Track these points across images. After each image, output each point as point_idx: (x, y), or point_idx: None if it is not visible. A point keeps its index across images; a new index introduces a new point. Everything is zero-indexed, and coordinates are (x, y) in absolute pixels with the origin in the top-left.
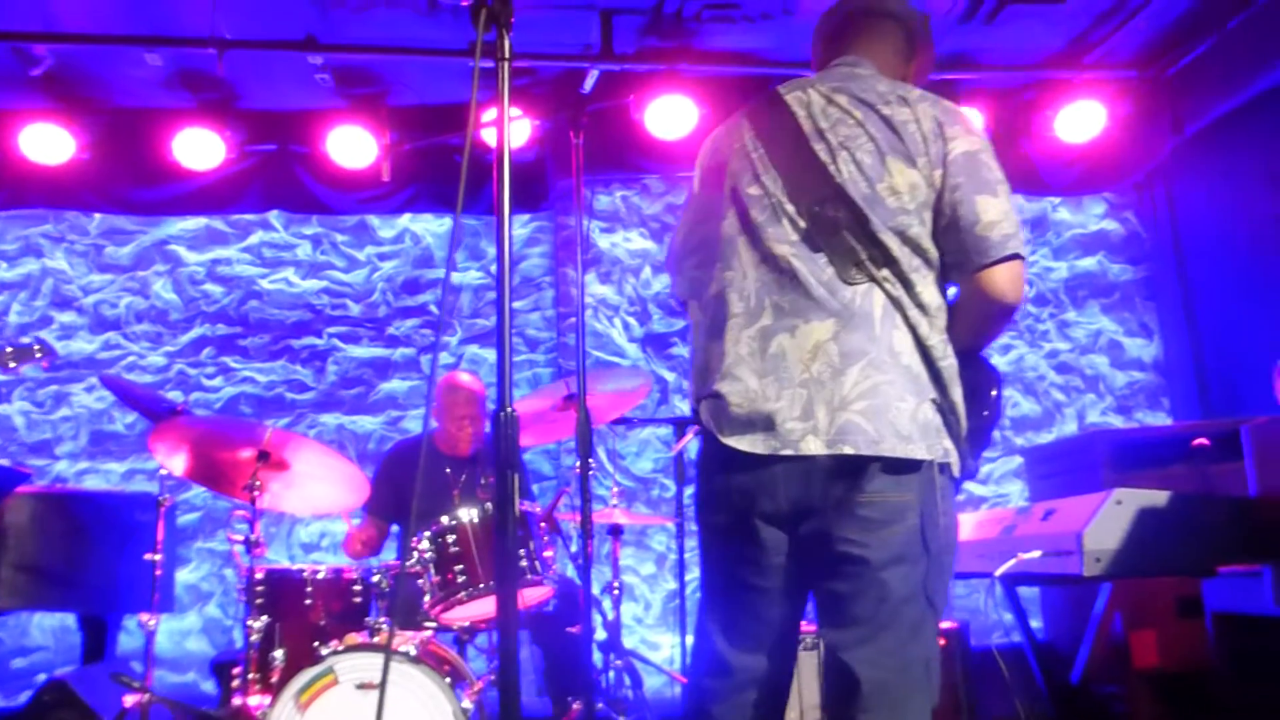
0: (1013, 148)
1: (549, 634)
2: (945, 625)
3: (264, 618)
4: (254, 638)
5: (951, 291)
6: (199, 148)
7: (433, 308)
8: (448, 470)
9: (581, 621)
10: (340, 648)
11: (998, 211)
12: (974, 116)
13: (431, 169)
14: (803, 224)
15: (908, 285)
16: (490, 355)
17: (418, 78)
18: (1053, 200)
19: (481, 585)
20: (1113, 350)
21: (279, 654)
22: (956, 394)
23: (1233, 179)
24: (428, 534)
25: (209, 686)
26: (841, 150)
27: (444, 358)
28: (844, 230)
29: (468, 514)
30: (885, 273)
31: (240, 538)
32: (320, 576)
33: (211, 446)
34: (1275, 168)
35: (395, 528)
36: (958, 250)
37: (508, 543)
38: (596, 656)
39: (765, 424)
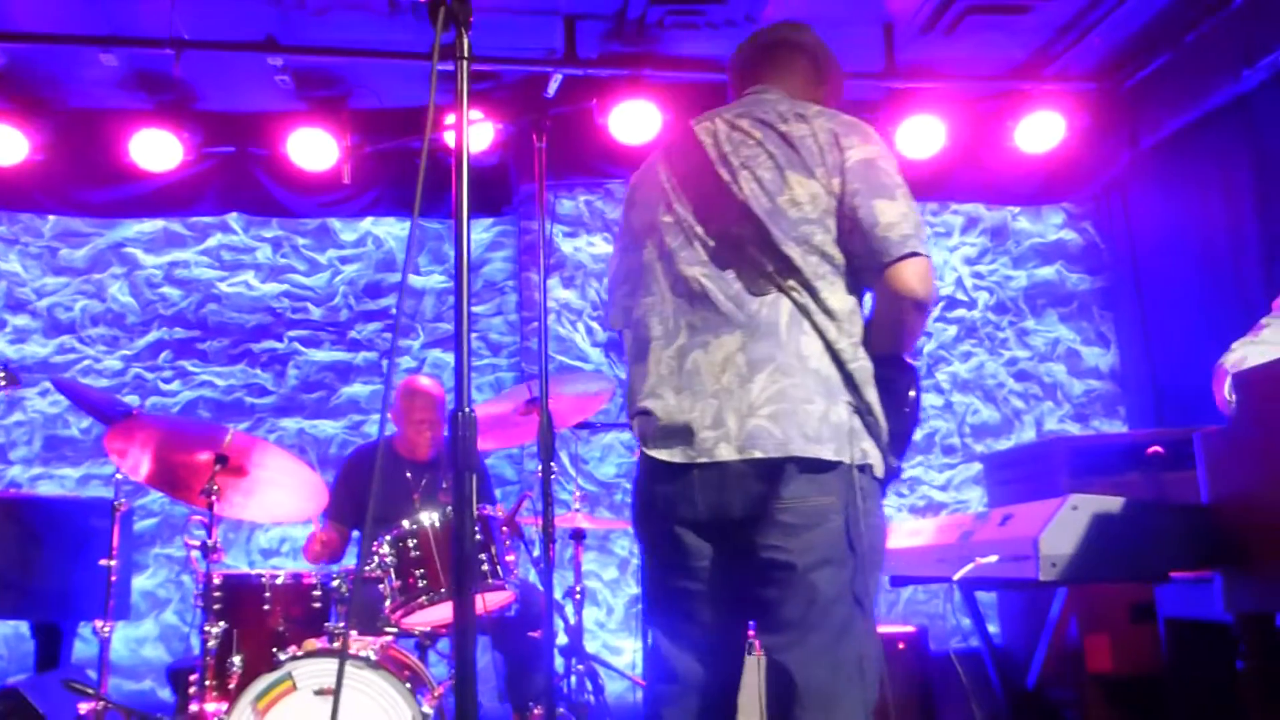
0: (973, 158)
1: (511, 639)
2: (904, 630)
3: (221, 624)
4: (211, 644)
5: (868, 300)
6: (156, 149)
7: (395, 311)
8: (408, 475)
9: (543, 626)
10: (299, 653)
11: (896, 213)
12: (935, 127)
13: (394, 172)
14: (712, 244)
15: (813, 292)
16: (452, 359)
17: (379, 80)
18: (1012, 210)
19: (442, 590)
20: (1070, 359)
21: (237, 660)
22: (871, 395)
23: (1188, 191)
24: (388, 538)
25: (166, 694)
26: (743, 170)
27: (406, 362)
28: (749, 246)
29: (428, 518)
30: (791, 282)
31: (197, 543)
32: (279, 582)
33: (168, 450)
34: (1229, 181)
35: (356, 533)
36: (863, 253)
37: (465, 544)
38: (558, 661)
39: (684, 435)
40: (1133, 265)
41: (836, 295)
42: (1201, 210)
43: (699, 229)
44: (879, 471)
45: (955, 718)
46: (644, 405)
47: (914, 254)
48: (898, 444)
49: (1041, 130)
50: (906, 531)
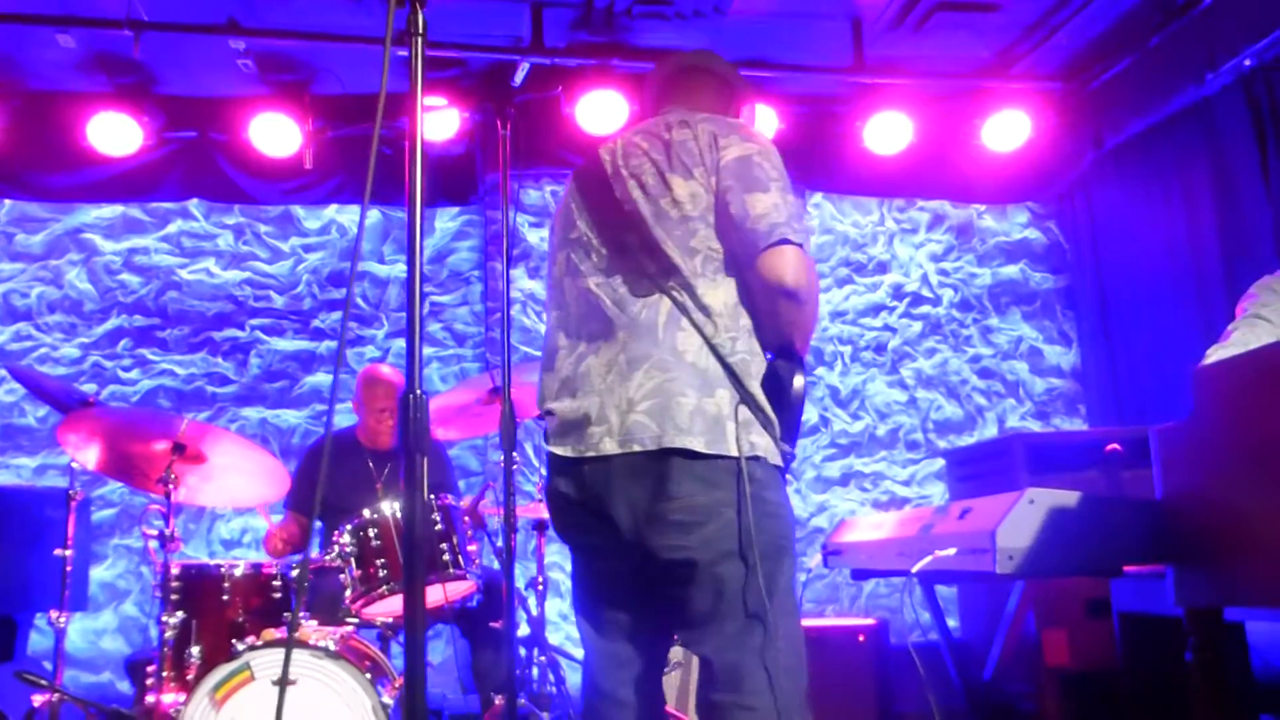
0: (940, 155)
1: (474, 629)
2: (865, 623)
3: (179, 614)
4: (169, 634)
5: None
6: (115, 133)
7: (360, 300)
8: (370, 464)
9: (505, 616)
10: (258, 643)
11: (766, 204)
12: (902, 124)
13: (358, 159)
14: (605, 254)
15: (691, 290)
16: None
17: (343, 65)
18: (978, 208)
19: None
20: (1033, 357)
21: (195, 651)
22: (754, 386)
23: (1150, 193)
24: (349, 528)
25: (125, 686)
26: (630, 179)
27: (370, 351)
28: (637, 252)
29: (390, 507)
30: (671, 282)
31: (155, 532)
32: (239, 572)
33: (124, 439)
34: (1190, 184)
35: (318, 523)
36: (738, 246)
37: (416, 529)
38: (520, 652)
39: (576, 431)
40: (1095, 265)
41: (716, 292)
42: (1163, 212)
43: (595, 241)
44: (774, 460)
45: (914, 710)
46: (548, 407)
47: (783, 242)
48: (787, 433)
49: (1008, 129)
50: (868, 525)
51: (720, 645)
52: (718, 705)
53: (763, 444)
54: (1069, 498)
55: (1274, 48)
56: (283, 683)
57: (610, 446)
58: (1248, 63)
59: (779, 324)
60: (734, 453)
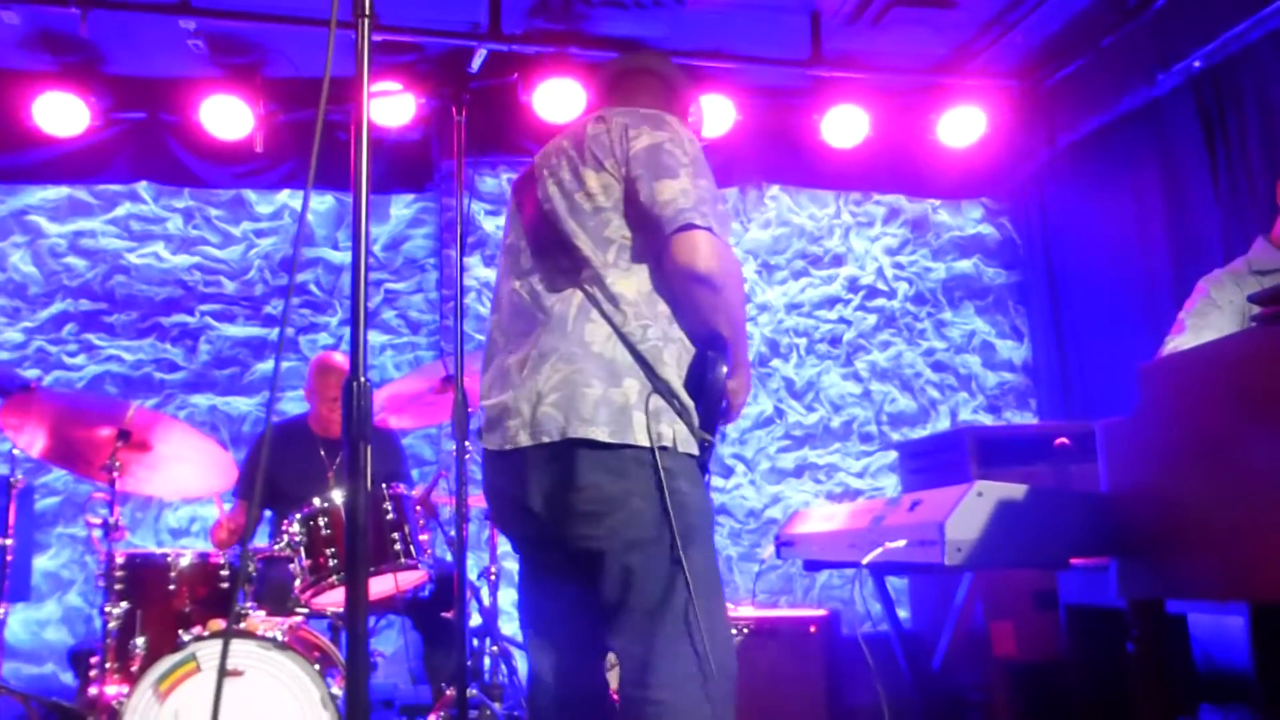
0: (896, 149)
1: (426, 620)
2: (816, 614)
3: (123, 604)
4: (112, 625)
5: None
6: (61, 113)
7: (313, 287)
8: (322, 453)
9: (456, 607)
10: (204, 634)
11: (674, 190)
12: (859, 118)
13: (311, 143)
14: (530, 255)
15: (601, 282)
16: (371, 337)
17: (296, 48)
18: (933, 202)
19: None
20: (985, 351)
21: (140, 641)
22: (669, 373)
23: (1101, 192)
24: (298, 517)
25: (68, 678)
26: (549, 178)
27: (323, 338)
28: (554, 248)
29: (340, 496)
30: (584, 274)
31: (99, 520)
32: (185, 561)
33: (68, 424)
34: (1140, 183)
35: (268, 513)
36: (648, 233)
37: (359, 517)
38: (473, 642)
39: (499, 425)
40: (1046, 262)
41: (629, 281)
42: (1114, 211)
43: (523, 244)
44: (688, 449)
45: (864, 700)
46: (482, 404)
47: (689, 227)
48: (707, 420)
49: (963, 125)
50: (820, 516)
51: (630, 637)
52: (627, 699)
53: (672, 433)
54: (1016, 490)
55: (1222, 50)
56: (220, 673)
57: (524, 439)
58: (1197, 64)
59: (699, 311)
60: (642, 442)
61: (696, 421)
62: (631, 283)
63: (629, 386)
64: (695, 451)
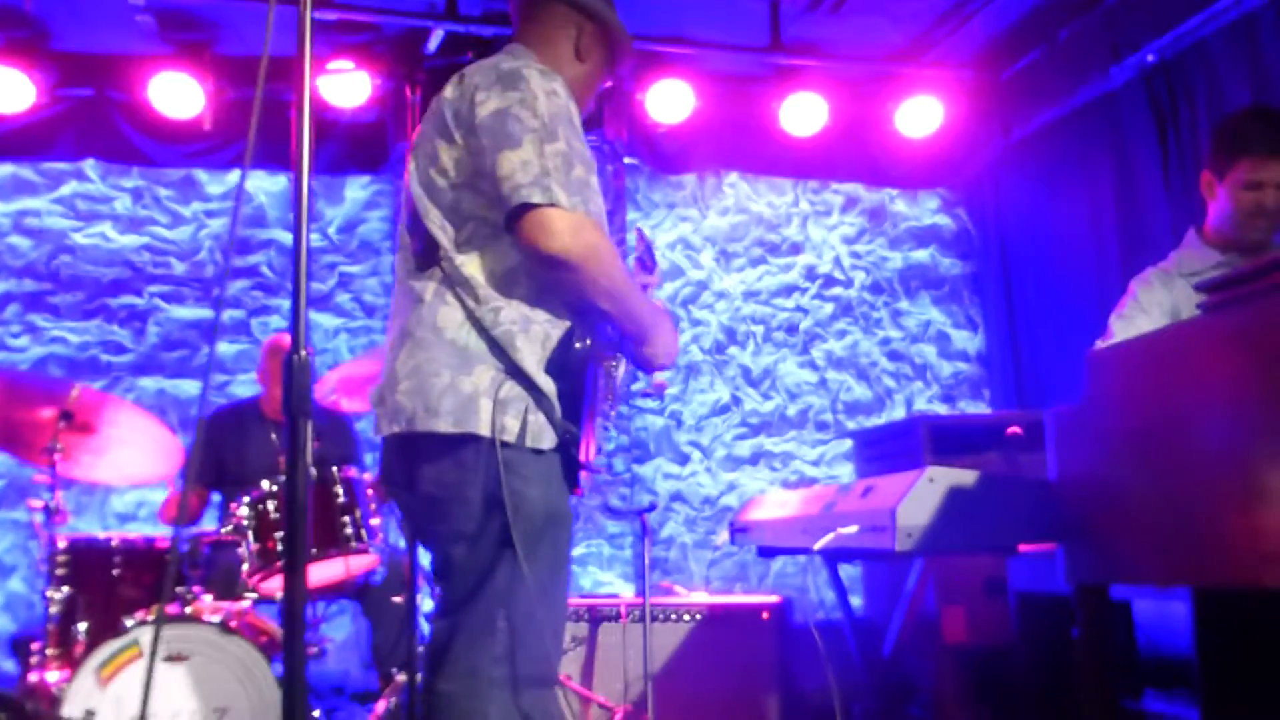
0: (855, 138)
1: (376, 605)
2: (769, 600)
3: (65, 589)
4: (54, 610)
5: None
6: (5, 89)
7: (265, 269)
8: (273, 436)
9: (406, 592)
10: (147, 619)
11: (515, 163)
12: (818, 106)
13: (263, 123)
14: (405, 236)
15: (454, 262)
16: (326, 320)
17: (247, 25)
18: (891, 192)
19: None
20: (940, 341)
21: (82, 627)
22: (523, 357)
23: (1054, 184)
24: (246, 500)
25: (10, 665)
26: (414, 153)
27: (275, 321)
28: (413, 230)
29: None
30: (441, 254)
31: (40, 504)
32: (129, 546)
33: (7, 405)
34: (1093, 177)
35: (217, 496)
36: (498, 211)
37: (297, 496)
38: (424, 628)
39: (376, 414)
40: (1001, 253)
41: (483, 261)
42: (1066, 204)
43: (405, 221)
44: (538, 443)
45: (816, 687)
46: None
47: (526, 207)
48: (569, 404)
49: (920, 115)
50: (774, 503)
51: (441, 626)
52: (424, 684)
53: (518, 426)
54: (967, 477)
55: (1175, 44)
56: (151, 659)
57: (386, 428)
58: (1150, 58)
59: (561, 290)
60: (484, 433)
61: (558, 410)
62: (486, 262)
63: (480, 374)
64: (548, 445)
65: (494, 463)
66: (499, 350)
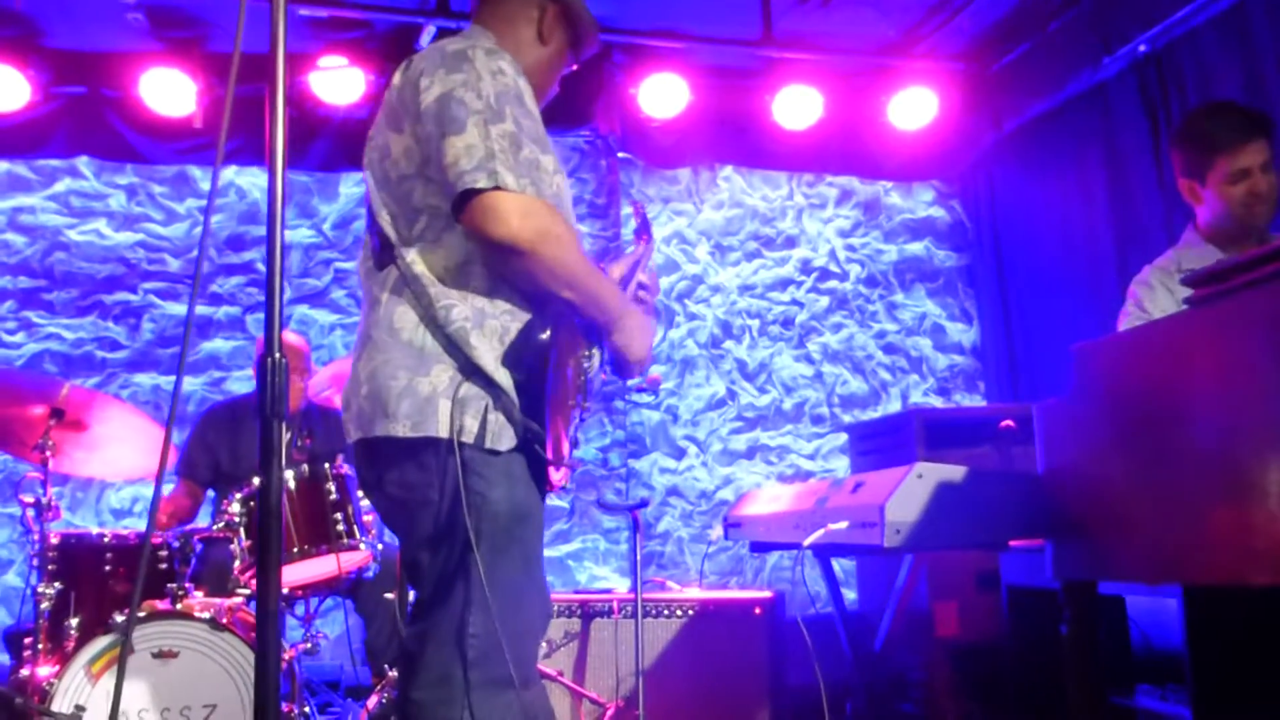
0: (849, 131)
1: (369, 601)
2: (761, 595)
3: (57, 584)
4: (44, 605)
5: None
6: None
7: (260, 265)
8: None
9: (398, 588)
10: (140, 615)
11: (459, 147)
12: (812, 98)
13: (257, 120)
14: (366, 238)
15: (406, 258)
16: (321, 316)
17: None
18: (885, 184)
19: (295, 550)
20: (936, 333)
21: (74, 622)
22: (481, 356)
23: (1046, 176)
24: (239, 496)
25: (4, 659)
26: (369, 149)
27: None
28: (370, 227)
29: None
30: (396, 251)
31: (31, 500)
32: (121, 542)
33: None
34: (1085, 167)
35: (211, 492)
36: (447, 201)
37: (271, 500)
38: None
39: (344, 417)
40: (995, 245)
41: (435, 256)
42: (1059, 195)
43: (365, 223)
44: (497, 444)
45: (807, 681)
46: None
47: (471, 192)
48: (530, 400)
49: (914, 107)
50: (767, 498)
51: (412, 632)
52: (398, 692)
53: (477, 425)
54: (956, 472)
55: (1167, 34)
56: (122, 656)
57: (353, 433)
58: (1142, 49)
59: (522, 278)
60: (443, 435)
61: (518, 405)
62: (438, 257)
63: (438, 374)
64: (508, 445)
65: (453, 465)
66: (454, 348)
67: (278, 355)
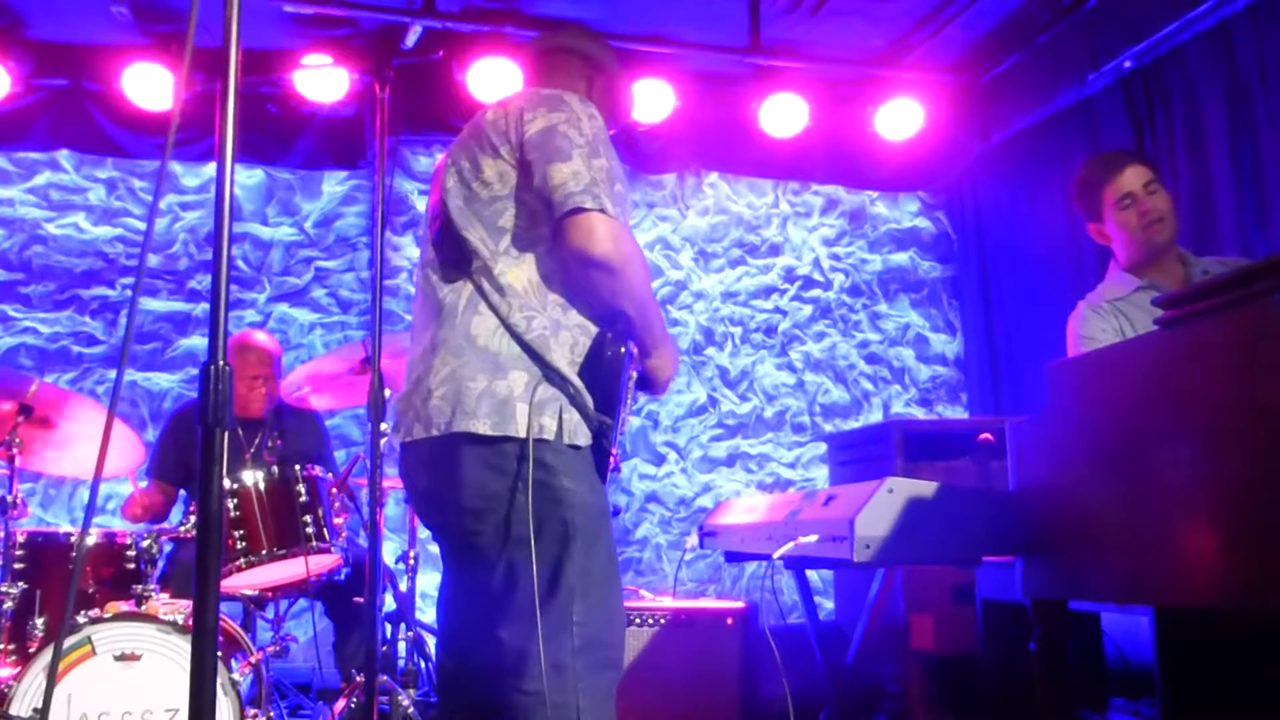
0: (835, 140)
1: (339, 605)
2: (734, 606)
3: (20, 584)
4: (8, 605)
5: None
6: None
7: (240, 263)
8: (239, 432)
9: (368, 592)
10: (103, 616)
11: (566, 173)
12: (798, 107)
13: (240, 117)
14: (432, 244)
15: (489, 272)
16: (301, 315)
17: (222, 18)
18: (871, 194)
19: (264, 551)
20: (919, 344)
21: (39, 623)
22: (559, 361)
23: (1032, 189)
24: None
25: None
26: (452, 167)
27: (250, 315)
28: (447, 238)
29: (252, 477)
30: (475, 265)
31: None
32: (89, 541)
33: None
34: (1069, 182)
35: (182, 492)
36: (545, 220)
37: (210, 505)
38: (387, 628)
39: (403, 418)
40: (980, 257)
41: (519, 270)
42: (1044, 210)
43: (430, 233)
44: (575, 439)
45: (779, 693)
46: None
47: (578, 210)
48: (605, 402)
49: (901, 118)
50: (742, 508)
51: (512, 629)
52: (505, 688)
53: (556, 425)
54: (927, 488)
55: (1152, 51)
56: (54, 658)
57: (419, 432)
58: (1127, 64)
59: (600, 294)
60: (520, 434)
61: (592, 404)
62: (521, 272)
63: (515, 379)
64: (585, 441)
65: (541, 464)
66: (533, 354)
67: (221, 363)
